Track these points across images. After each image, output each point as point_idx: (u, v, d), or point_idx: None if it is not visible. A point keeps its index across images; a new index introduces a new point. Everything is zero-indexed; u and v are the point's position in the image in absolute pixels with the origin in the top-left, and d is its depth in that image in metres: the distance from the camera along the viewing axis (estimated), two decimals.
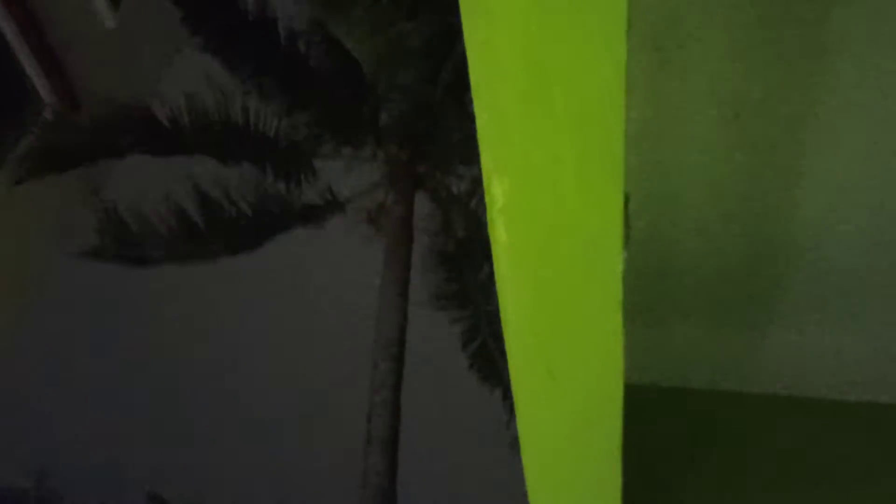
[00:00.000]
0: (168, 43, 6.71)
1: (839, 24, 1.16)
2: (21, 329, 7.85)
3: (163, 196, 6.07)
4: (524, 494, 1.28)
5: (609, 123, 0.77)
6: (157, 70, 8.68)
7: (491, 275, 6.04)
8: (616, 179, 0.83)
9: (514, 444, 1.21)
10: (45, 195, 7.19)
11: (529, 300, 0.97)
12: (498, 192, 0.88)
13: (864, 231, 1.39)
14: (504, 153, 0.84)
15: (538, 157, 0.83)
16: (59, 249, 7.03)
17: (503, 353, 5.81)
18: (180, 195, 6.03)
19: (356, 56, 5.58)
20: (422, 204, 6.38)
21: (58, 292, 7.74)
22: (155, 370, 7.86)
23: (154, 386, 7.87)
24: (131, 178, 6.62)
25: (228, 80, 5.93)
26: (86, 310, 7.89)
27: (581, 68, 0.75)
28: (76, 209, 6.99)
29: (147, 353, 7.90)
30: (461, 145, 6.09)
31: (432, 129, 6.09)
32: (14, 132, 7.60)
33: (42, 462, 7.75)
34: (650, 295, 1.60)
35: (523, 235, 0.91)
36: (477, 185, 6.16)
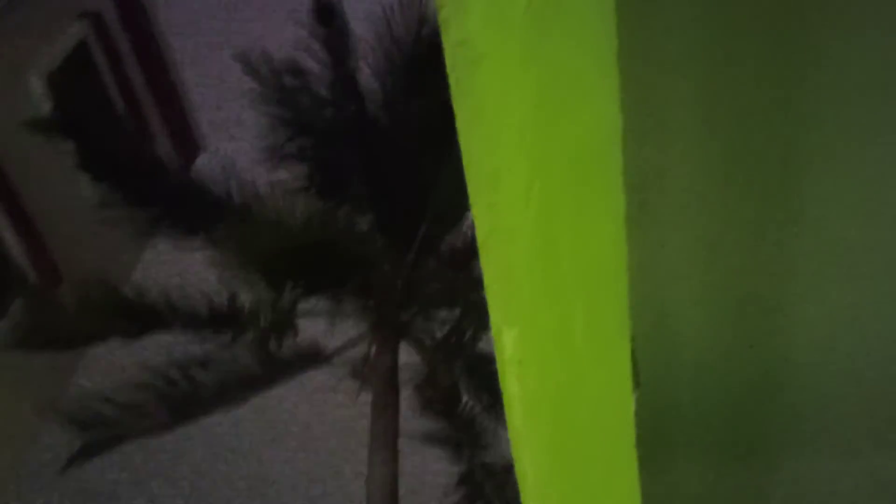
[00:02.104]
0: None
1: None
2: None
3: (138, 377, 6.02)
4: None
5: (614, 274, 0.80)
6: (136, 251, 8.81)
7: (480, 422, 5.98)
8: (623, 326, 0.85)
9: None
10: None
11: (544, 449, 0.97)
12: (507, 342, 0.89)
13: (872, 353, 1.40)
14: (512, 305, 0.86)
15: (546, 308, 0.85)
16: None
17: (500, 499, 5.69)
18: (158, 372, 5.98)
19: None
20: (405, 353, 6.37)
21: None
22: None
23: None
24: (105, 360, 6.61)
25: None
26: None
27: (585, 224, 0.78)
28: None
29: None
30: (442, 291, 6.15)
31: (413, 278, 6.15)
32: None
33: None
34: (654, 439, 1.59)
35: (535, 385, 0.92)
36: (459, 328, 6.17)
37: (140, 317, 5.88)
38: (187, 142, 10.04)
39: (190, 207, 5.96)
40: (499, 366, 0.93)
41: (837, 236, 1.33)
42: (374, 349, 6.11)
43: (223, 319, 5.93)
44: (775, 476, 1.70)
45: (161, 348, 6.31)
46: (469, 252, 5.75)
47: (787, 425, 1.63)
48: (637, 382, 0.91)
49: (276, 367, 6.16)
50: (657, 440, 1.60)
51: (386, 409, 5.98)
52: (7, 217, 7.89)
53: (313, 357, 6.27)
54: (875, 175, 1.15)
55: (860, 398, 1.54)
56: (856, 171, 1.14)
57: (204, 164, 9.66)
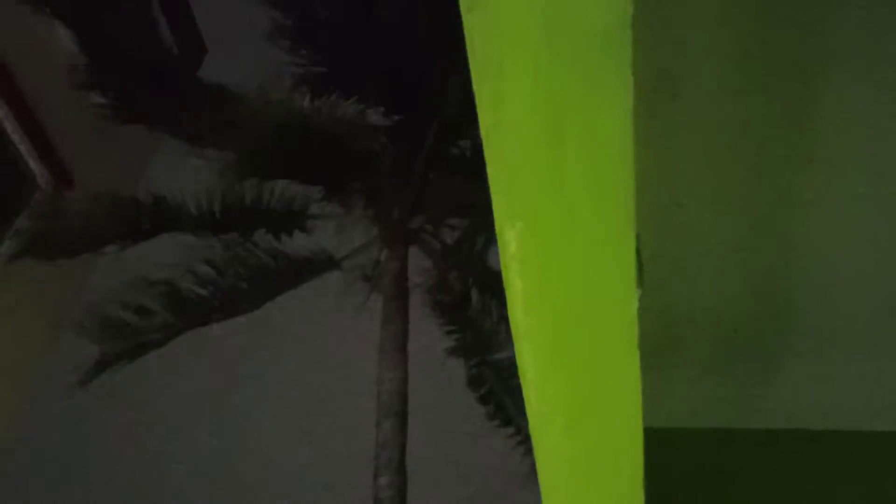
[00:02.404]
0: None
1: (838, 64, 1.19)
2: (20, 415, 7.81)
3: (152, 281, 6.07)
4: None
5: (619, 165, 0.79)
6: (144, 155, 8.78)
7: (490, 325, 6.04)
8: (628, 224, 0.85)
9: (528, 476, 1.20)
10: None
11: (546, 345, 0.97)
12: (511, 237, 0.89)
13: (873, 262, 1.40)
14: (516, 199, 0.85)
15: (550, 202, 0.84)
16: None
17: (511, 396, 5.79)
18: (172, 276, 6.03)
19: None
20: (416, 259, 6.40)
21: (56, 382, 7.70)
22: (154, 440, 7.80)
23: (155, 450, 7.80)
24: (119, 266, 6.64)
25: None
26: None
27: (590, 113, 0.76)
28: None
29: (147, 422, 7.85)
30: (453, 198, 6.13)
31: (423, 184, 6.13)
32: (8, 214, 7.66)
33: None
34: (661, 339, 1.60)
35: (537, 280, 0.92)
36: (471, 235, 6.18)
37: (151, 218, 5.91)
38: (192, 43, 9.92)
39: (196, 109, 5.92)
40: (502, 262, 0.93)
41: (848, 155, 1.31)
42: (384, 253, 6.14)
43: (234, 218, 5.96)
44: (775, 380, 1.72)
45: (174, 254, 6.33)
46: (481, 159, 5.69)
47: (789, 332, 1.64)
48: (640, 281, 0.91)
49: (288, 270, 6.21)
50: (661, 343, 1.62)
51: (396, 313, 6.03)
52: (16, 122, 7.87)
53: (325, 261, 6.31)
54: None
55: (862, 307, 1.54)
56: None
57: (209, 65, 9.56)
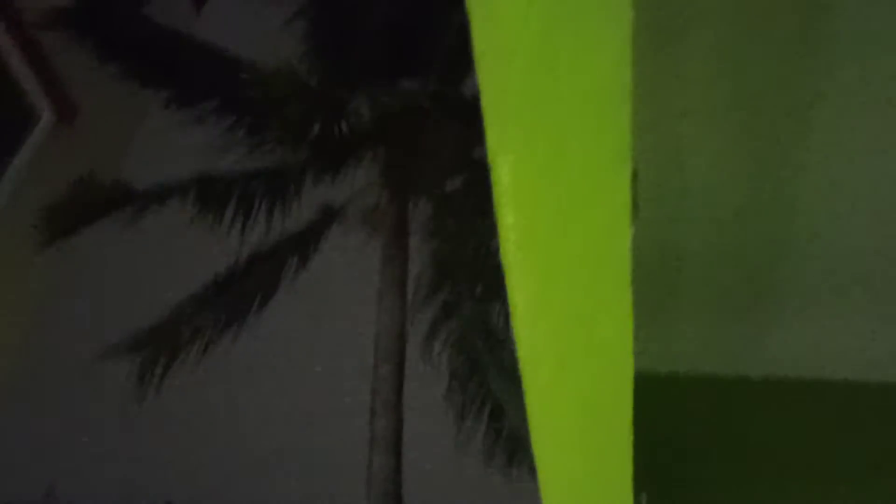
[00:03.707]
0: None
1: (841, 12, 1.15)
2: (32, 339, 7.86)
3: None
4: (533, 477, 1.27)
5: (616, 95, 0.76)
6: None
7: (486, 281, 6.02)
8: (624, 154, 0.82)
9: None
10: None
11: (537, 282, 0.95)
12: (503, 171, 0.87)
13: (875, 213, 1.38)
14: (509, 130, 0.83)
15: (544, 134, 0.82)
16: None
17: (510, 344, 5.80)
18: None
19: None
20: (416, 204, 6.36)
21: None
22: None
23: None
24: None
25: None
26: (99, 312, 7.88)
27: (587, 41, 0.73)
28: None
29: None
30: (454, 145, 6.08)
31: (423, 131, 6.08)
32: (10, 145, 7.61)
33: (51, 475, 7.73)
34: (658, 285, 1.58)
35: (530, 215, 0.90)
36: (471, 185, 6.14)
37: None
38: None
39: (191, 66, 5.86)
40: (494, 195, 0.91)
41: (857, 93, 1.28)
42: (384, 196, 6.11)
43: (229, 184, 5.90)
44: (774, 332, 1.70)
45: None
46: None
47: (790, 283, 1.62)
48: (636, 214, 0.89)
49: (297, 231, 6.17)
50: (657, 285, 1.60)
51: (395, 256, 6.03)
52: (20, 51, 7.77)
53: (326, 212, 6.27)
54: None
55: (864, 255, 1.52)
56: None
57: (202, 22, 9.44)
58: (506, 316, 5.40)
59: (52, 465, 7.76)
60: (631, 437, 1.19)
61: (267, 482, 7.64)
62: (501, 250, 0.95)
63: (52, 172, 6.60)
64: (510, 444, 5.57)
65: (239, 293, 6.04)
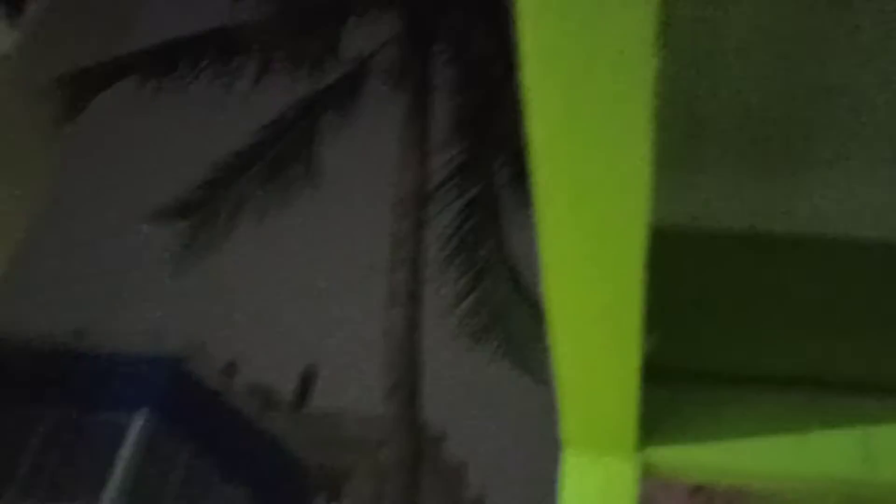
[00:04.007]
0: None
1: None
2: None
3: None
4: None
5: None
6: None
7: (506, 143, 5.95)
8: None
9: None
10: None
11: (556, 109, 0.93)
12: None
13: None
14: None
15: None
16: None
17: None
18: None
19: None
20: (440, 62, 6.24)
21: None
22: None
23: None
24: None
25: None
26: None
27: None
28: None
29: None
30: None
31: None
32: None
33: (81, 318, 7.96)
34: (680, 134, 1.55)
35: (552, 39, 0.86)
36: (500, 48, 5.99)
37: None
38: None
39: None
40: (517, 14, 0.87)
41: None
42: (407, 49, 5.99)
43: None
44: (795, 190, 1.67)
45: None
46: None
47: (813, 143, 1.58)
48: (662, 44, 0.85)
49: (323, 90, 6.10)
50: (680, 137, 1.56)
51: (418, 113, 5.95)
52: None
53: (351, 65, 6.17)
54: None
55: (883, 125, 1.48)
56: None
57: None
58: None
59: (82, 309, 7.99)
60: (641, 288, 1.19)
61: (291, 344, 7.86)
62: (522, 80, 0.92)
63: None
64: (525, 303, 5.65)
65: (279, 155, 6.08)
